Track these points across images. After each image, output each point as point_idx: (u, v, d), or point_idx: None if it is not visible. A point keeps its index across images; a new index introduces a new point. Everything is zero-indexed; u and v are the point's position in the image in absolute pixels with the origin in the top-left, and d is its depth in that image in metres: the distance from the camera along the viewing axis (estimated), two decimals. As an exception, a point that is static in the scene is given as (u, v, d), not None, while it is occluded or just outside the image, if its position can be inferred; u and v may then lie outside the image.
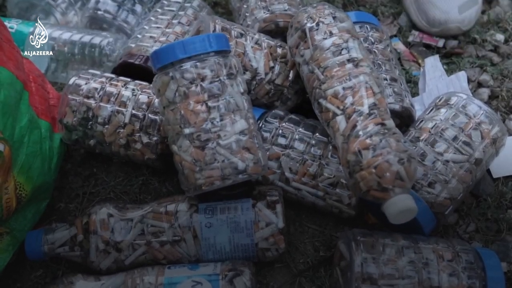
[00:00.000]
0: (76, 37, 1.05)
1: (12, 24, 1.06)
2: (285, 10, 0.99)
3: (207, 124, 0.76)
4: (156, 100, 0.86)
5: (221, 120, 0.77)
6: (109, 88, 0.89)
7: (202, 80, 0.77)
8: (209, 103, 0.77)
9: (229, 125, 0.77)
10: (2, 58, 0.80)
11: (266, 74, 0.90)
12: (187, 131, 0.77)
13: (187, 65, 0.77)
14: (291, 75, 0.91)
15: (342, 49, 0.82)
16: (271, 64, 0.90)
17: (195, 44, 0.77)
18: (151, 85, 0.90)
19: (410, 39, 1.16)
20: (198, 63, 0.77)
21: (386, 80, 0.92)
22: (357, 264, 0.74)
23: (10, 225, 0.84)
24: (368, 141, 0.75)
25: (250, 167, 0.77)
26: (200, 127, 0.76)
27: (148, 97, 0.88)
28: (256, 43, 0.90)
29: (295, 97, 0.93)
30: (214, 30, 0.87)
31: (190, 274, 0.77)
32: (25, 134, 0.82)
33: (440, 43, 1.15)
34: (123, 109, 0.88)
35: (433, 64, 1.11)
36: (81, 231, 0.82)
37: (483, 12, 1.19)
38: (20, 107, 0.83)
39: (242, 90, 0.80)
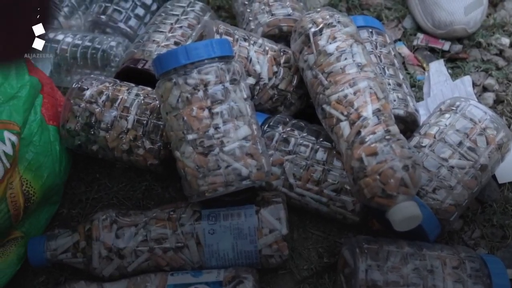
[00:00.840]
0: (79, 40, 1.05)
1: (15, 29, 1.05)
2: (289, 15, 0.99)
3: (210, 130, 0.76)
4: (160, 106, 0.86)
5: (224, 126, 0.76)
6: (112, 93, 0.89)
7: (205, 86, 0.76)
8: (212, 109, 0.76)
9: (232, 131, 0.76)
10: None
11: (270, 79, 0.89)
12: (190, 137, 0.76)
13: (190, 71, 0.76)
14: (294, 80, 0.91)
15: (346, 54, 0.81)
16: (275, 69, 0.90)
17: (198, 49, 0.77)
18: (154, 90, 0.90)
19: (415, 42, 1.16)
20: (201, 69, 0.76)
21: (390, 85, 0.91)
22: (361, 271, 0.74)
23: (25, 228, 0.85)
24: (372, 147, 0.75)
25: (254, 173, 0.77)
26: (203, 133, 0.76)
27: (151, 103, 0.88)
28: (259, 47, 0.90)
29: (298, 102, 0.93)
30: (218, 34, 0.87)
31: (193, 282, 0.77)
32: (36, 133, 0.84)
33: (446, 46, 1.14)
34: (126, 115, 0.87)
35: (437, 69, 1.11)
36: (84, 238, 0.81)
37: (488, 16, 1.19)
38: (35, 107, 0.85)
39: (245, 96, 0.79)
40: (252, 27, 0.99)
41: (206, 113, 0.76)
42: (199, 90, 0.76)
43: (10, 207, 0.80)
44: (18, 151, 0.80)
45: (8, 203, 0.79)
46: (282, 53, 0.91)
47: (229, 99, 0.77)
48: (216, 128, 0.76)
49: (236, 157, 0.76)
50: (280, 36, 0.98)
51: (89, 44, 1.04)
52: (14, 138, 0.79)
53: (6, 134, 0.78)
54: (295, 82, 0.91)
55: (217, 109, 0.76)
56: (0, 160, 0.77)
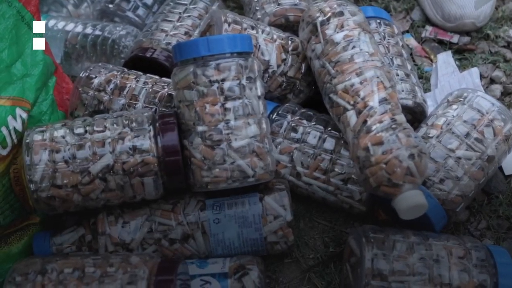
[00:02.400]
0: (89, 30, 1.05)
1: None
2: (295, 4, 0.99)
3: (221, 125, 0.76)
4: (173, 93, 0.85)
5: (235, 122, 0.76)
6: (120, 82, 0.89)
7: (222, 80, 0.76)
8: (226, 105, 0.76)
9: (242, 129, 0.76)
10: None
11: (279, 66, 0.89)
12: (200, 128, 0.76)
13: (209, 63, 0.76)
14: (303, 67, 0.91)
15: (353, 43, 0.81)
16: (283, 56, 0.90)
17: (219, 43, 0.76)
18: (163, 78, 0.90)
19: (423, 34, 1.16)
20: (220, 63, 0.76)
21: (398, 75, 0.91)
22: (367, 260, 0.74)
23: (41, 213, 0.85)
24: (378, 136, 0.75)
25: (258, 173, 0.77)
26: (214, 127, 0.75)
27: (160, 91, 0.88)
28: (267, 35, 0.90)
29: (307, 89, 0.93)
30: (226, 24, 0.87)
31: (199, 273, 0.77)
32: (45, 112, 0.85)
33: (455, 39, 1.14)
34: (134, 103, 0.88)
35: (445, 60, 1.11)
36: (89, 231, 0.81)
37: (496, 8, 1.18)
38: (48, 87, 0.87)
39: (259, 94, 0.79)
40: (259, 16, 0.99)
41: (219, 107, 0.76)
42: (215, 84, 0.76)
43: (12, 182, 0.80)
44: (26, 129, 0.81)
45: (11, 178, 0.79)
46: (290, 41, 0.91)
47: (243, 96, 0.77)
48: (227, 123, 0.76)
49: (243, 154, 0.76)
50: (287, 25, 0.98)
51: (99, 33, 1.04)
52: (24, 115, 0.80)
53: (18, 111, 0.79)
54: (303, 69, 0.91)
55: (230, 104, 0.76)
56: (10, 136, 0.78)
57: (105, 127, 0.78)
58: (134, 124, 0.77)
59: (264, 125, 0.79)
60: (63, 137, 0.77)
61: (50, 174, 0.76)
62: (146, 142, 0.76)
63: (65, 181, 0.76)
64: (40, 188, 0.76)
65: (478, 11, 1.12)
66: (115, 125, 0.78)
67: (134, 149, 0.76)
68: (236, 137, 0.76)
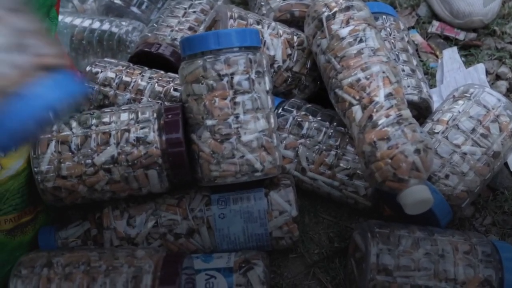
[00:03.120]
0: (96, 25, 1.05)
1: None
2: (301, 0, 0.99)
3: (230, 119, 0.75)
4: (181, 87, 0.85)
5: (245, 116, 0.76)
6: (125, 77, 0.89)
7: (231, 74, 0.76)
8: (235, 99, 0.76)
9: (251, 123, 0.76)
10: None
11: (284, 61, 0.89)
12: (209, 122, 0.76)
13: (218, 57, 0.76)
14: (308, 62, 0.91)
15: (359, 38, 0.81)
16: (289, 51, 0.90)
17: (228, 37, 0.76)
18: (168, 73, 0.90)
19: (430, 30, 1.15)
20: (229, 57, 0.76)
21: (404, 71, 0.91)
22: (372, 255, 0.74)
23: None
24: (383, 131, 0.75)
25: (267, 168, 0.77)
26: (223, 121, 0.75)
27: (165, 86, 0.88)
28: (273, 30, 0.90)
29: (312, 85, 0.93)
30: (232, 19, 0.87)
31: (204, 267, 0.77)
32: None
33: (461, 35, 1.14)
34: (139, 97, 0.88)
35: (451, 56, 1.10)
36: (95, 225, 0.82)
37: (503, 4, 1.18)
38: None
39: (267, 88, 0.79)
40: (264, 12, 0.99)
41: (228, 101, 0.75)
42: (224, 78, 0.76)
43: None
44: None
45: None
46: (295, 36, 0.91)
47: (252, 90, 0.77)
48: (237, 117, 0.76)
49: (251, 148, 0.76)
50: (292, 21, 0.98)
51: (105, 28, 1.04)
52: None
53: None
54: (309, 64, 0.91)
55: (240, 99, 0.76)
56: None
57: (112, 119, 0.78)
58: (140, 117, 0.78)
59: (272, 120, 0.79)
60: (70, 128, 0.78)
61: (56, 165, 0.76)
62: (150, 134, 0.76)
63: (70, 172, 0.77)
64: (46, 178, 0.77)
65: (486, 8, 1.12)
66: (121, 117, 0.78)
67: (138, 140, 0.76)
68: (245, 131, 0.76)
